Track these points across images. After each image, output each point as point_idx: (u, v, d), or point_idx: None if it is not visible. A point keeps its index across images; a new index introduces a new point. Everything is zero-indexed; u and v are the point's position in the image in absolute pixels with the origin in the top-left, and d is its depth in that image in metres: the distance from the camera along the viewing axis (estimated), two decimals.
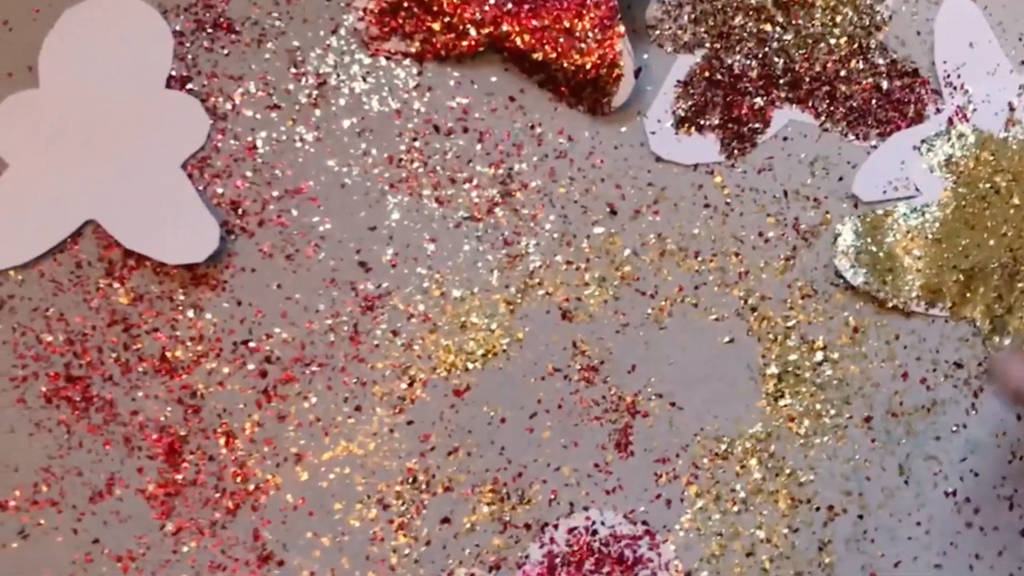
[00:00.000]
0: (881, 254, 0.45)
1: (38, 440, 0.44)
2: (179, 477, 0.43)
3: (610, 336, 0.45)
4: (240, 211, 0.46)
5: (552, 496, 0.43)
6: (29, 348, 0.44)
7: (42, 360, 0.44)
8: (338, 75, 0.47)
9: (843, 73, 0.46)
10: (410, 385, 0.44)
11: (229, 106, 0.47)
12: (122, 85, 0.47)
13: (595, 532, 0.43)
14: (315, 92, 0.47)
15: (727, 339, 0.45)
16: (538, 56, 0.46)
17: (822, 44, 0.46)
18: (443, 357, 0.45)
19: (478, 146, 0.47)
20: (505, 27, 0.46)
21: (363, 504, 0.43)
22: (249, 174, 0.46)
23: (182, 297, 0.45)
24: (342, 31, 0.48)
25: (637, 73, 0.46)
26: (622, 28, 0.44)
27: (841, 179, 0.47)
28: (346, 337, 0.44)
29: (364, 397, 0.44)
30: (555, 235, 0.46)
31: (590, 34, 0.45)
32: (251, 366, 0.44)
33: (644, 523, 0.43)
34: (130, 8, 0.49)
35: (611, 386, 0.44)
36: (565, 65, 0.46)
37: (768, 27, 0.46)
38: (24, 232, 0.46)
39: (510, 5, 0.46)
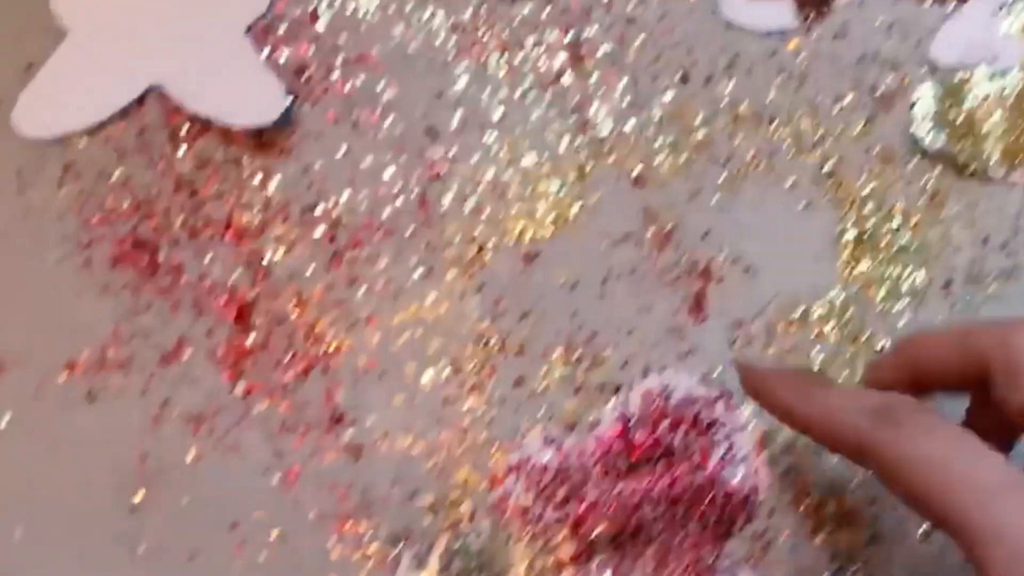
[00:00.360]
0: (960, 119, 0.44)
1: (105, 304, 0.43)
2: (249, 340, 0.42)
3: (683, 202, 0.44)
4: (305, 78, 0.45)
5: (625, 360, 0.42)
6: (95, 213, 0.44)
7: (108, 225, 0.43)
8: None
9: None
10: (480, 251, 0.44)
11: None
12: None
13: (669, 395, 0.42)
14: None
15: (803, 205, 0.44)
16: None
17: None
18: (513, 223, 0.44)
19: (546, 11, 0.46)
20: None
21: (435, 366, 0.42)
22: (313, 41, 0.45)
23: (248, 163, 0.44)
24: None
25: None
26: None
27: (919, 44, 0.46)
28: (415, 203, 0.44)
29: (434, 262, 0.43)
30: (626, 101, 0.44)
31: None
32: (319, 231, 0.44)
33: (720, 386, 0.41)
34: None
35: (684, 252, 0.44)
36: None
37: None
38: (87, 97, 0.46)
39: None
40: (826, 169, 0.50)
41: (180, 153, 0.49)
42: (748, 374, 0.40)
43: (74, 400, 0.47)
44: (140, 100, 0.50)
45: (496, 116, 0.50)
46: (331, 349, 0.48)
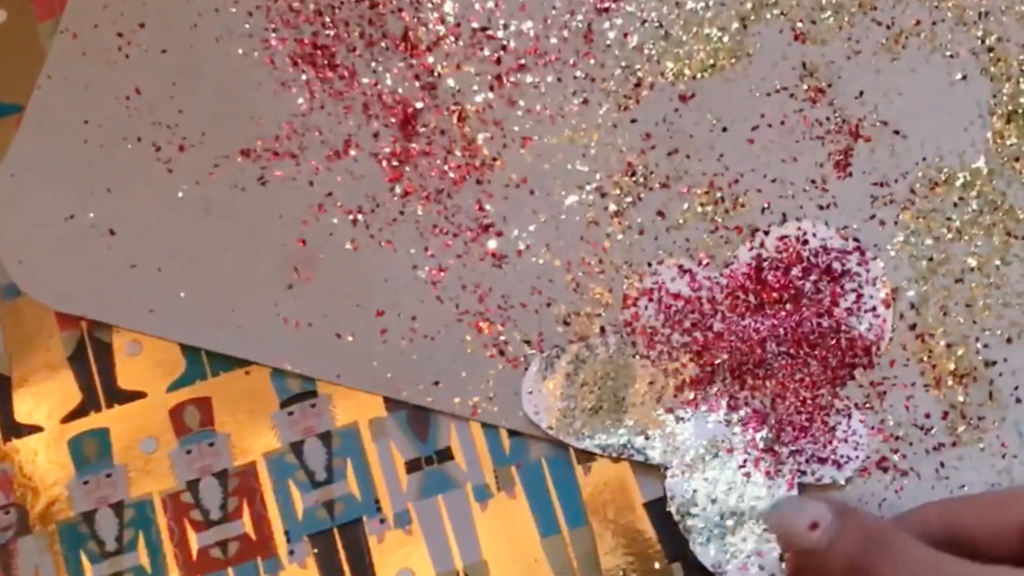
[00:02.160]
0: None
1: (283, 98, 0.47)
2: (412, 145, 0.45)
3: (841, 60, 0.46)
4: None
5: (766, 204, 0.44)
6: (282, 14, 0.47)
7: (292, 27, 0.47)
8: None
9: None
10: (637, 85, 0.46)
11: None
12: None
13: (805, 242, 0.44)
14: None
15: (960, 75, 0.45)
16: None
17: None
18: (672, 63, 0.45)
19: None
20: None
21: (582, 189, 0.44)
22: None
23: None
24: None
25: None
26: None
27: None
28: (580, 34, 0.46)
29: (592, 92, 0.46)
30: None
31: None
32: (487, 52, 0.46)
33: (855, 240, 0.43)
34: None
35: (836, 109, 0.45)
36: None
37: None
38: None
39: None
40: (987, 43, 0.50)
41: None
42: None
43: (246, 181, 0.51)
44: None
45: None
46: (485, 162, 0.50)
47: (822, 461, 0.46)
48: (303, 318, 0.48)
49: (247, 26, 0.51)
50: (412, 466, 0.48)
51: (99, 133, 0.50)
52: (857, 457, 0.46)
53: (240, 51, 0.51)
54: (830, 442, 0.46)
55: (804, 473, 0.46)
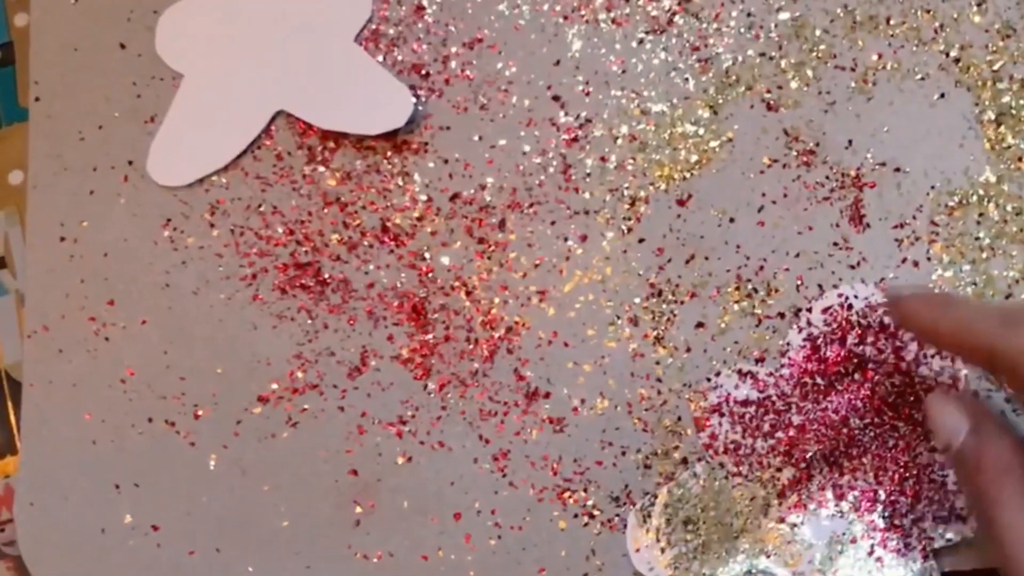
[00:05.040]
0: None
1: (283, 331, 0.43)
2: (430, 337, 0.42)
3: (819, 117, 0.44)
4: (424, 72, 0.45)
5: (799, 282, 0.42)
6: (251, 246, 0.44)
7: (267, 255, 0.44)
8: None
9: None
10: (632, 205, 0.43)
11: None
12: None
13: (850, 306, 0.42)
14: None
15: (937, 95, 0.43)
16: None
17: None
18: (658, 171, 0.43)
19: None
20: None
21: (615, 325, 0.42)
22: (423, 35, 0.45)
23: (388, 166, 0.45)
24: None
25: None
26: None
27: None
28: (557, 172, 0.44)
29: (589, 226, 0.43)
30: (741, 30, 0.44)
31: None
32: (469, 218, 0.43)
33: (897, 288, 0.41)
34: None
35: (831, 165, 0.43)
36: None
37: None
38: (216, 137, 0.46)
39: None
40: (952, 55, 0.49)
41: (320, 170, 0.49)
42: (894, 301, 0.41)
43: (274, 428, 0.47)
44: (268, 128, 0.49)
45: (618, 71, 0.49)
46: (510, 329, 0.47)
47: (945, 520, 0.44)
48: (382, 549, 0.45)
49: (220, 268, 0.48)
50: None
51: (105, 428, 0.47)
52: None
53: (223, 296, 0.48)
54: (946, 498, 0.44)
55: (932, 539, 0.44)
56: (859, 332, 0.46)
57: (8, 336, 0.46)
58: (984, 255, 0.47)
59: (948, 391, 0.41)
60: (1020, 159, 0.47)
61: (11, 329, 0.46)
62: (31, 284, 0.48)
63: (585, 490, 0.45)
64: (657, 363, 0.47)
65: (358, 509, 0.45)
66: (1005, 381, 0.35)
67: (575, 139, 0.48)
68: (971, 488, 0.37)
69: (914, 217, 0.48)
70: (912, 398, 0.46)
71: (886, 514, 0.45)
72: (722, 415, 0.46)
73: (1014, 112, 0.48)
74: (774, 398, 0.46)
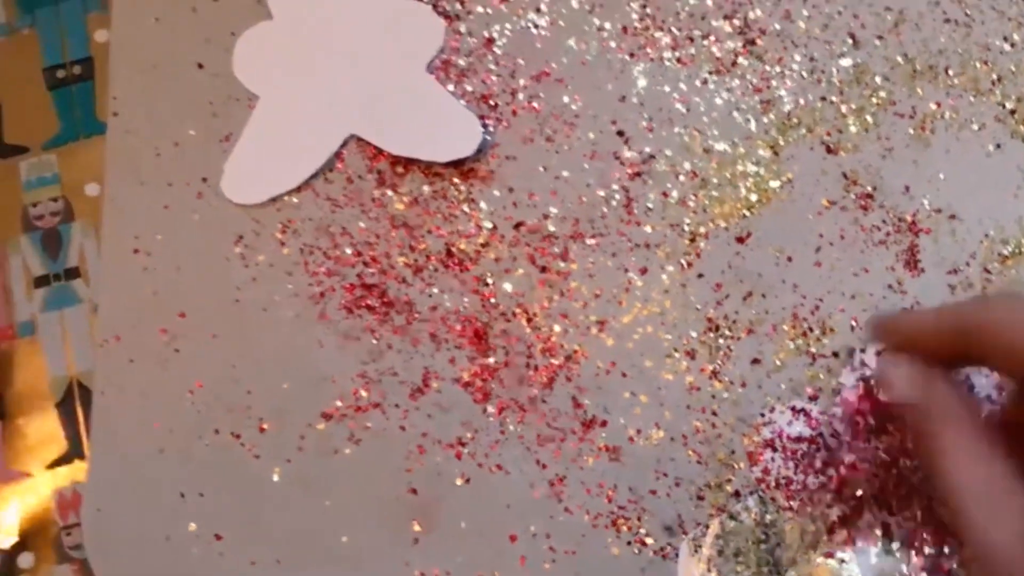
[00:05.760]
0: None
1: (348, 350, 0.44)
2: (490, 361, 0.43)
3: (877, 162, 0.45)
4: (492, 103, 0.46)
5: (853, 323, 0.43)
6: (320, 265, 0.45)
7: (335, 275, 0.45)
8: None
9: None
10: (692, 240, 0.44)
11: (459, 6, 0.47)
12: (350, 2, 0.47)
13: None
14: None
15: (993, 145, 0.45)
16: None
17: None
18: (718, 208, 0.44)
19: (708, 1, 0.46)
20: None
21: (672, 358, 0.43)
22: (493, 67, 0.46)
23: (455, 193, 0.46)
24: None
25: None
26: None
27: None
28: (620, 205, 0.45)
29: (649, 259, 0.44)
30: (804, 74, 0.45)
31: None
32: (532, 246, 0.44)
33: None
34: None
35: (888, 209, 0.44)
36: None
37: None
38: (289, 158, 0.47)
39: None
40: (1008, 106, 0.50)
41: (389, 194, 0.50)
42: (876, 327, 0.40)
43: (337, 445, 0.48)
44: (340, 151, 0.51)
45: (682, 108, 0.50)
46: (569, 358, 0.49)
47: None
48: (440, 568, 0.46)
49: (290, 287, 0.49)
50: None
51: (173, 438, 0.48)
52: None
53: (291, 314, 0.49)
54: None
55: None
56: None
57: (80, 344, 0.47)
58: None
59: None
60: None
61: (83, 337, 0.47)
62: (104, 294, 0.49)
63: (639, 518, 0.46)
64: (712, 396, 0.48)
65: (416, 527, 0.46)
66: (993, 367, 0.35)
67: (638, 174, 0.50)
68: (918, 441, 0.35)
69: (967, 264, 0.49)
70: None
71: (933, 552, 0.45)
72: (775, 450, 0.47)
73: None
74: (826, 436, 0.47)
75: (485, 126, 0.49)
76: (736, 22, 0.50)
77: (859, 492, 0.44)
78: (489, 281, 0.49)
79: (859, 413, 0.45)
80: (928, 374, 0.36)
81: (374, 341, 0.48)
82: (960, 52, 0.50)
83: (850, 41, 0.50)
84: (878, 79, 0.50)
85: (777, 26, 0.50)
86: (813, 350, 0.47)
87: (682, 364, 0.47)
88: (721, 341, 0.48)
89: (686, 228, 0.49)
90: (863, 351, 0.46)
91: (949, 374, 0.36)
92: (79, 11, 0.50)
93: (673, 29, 0.51)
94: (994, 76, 0.49)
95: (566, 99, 0.50)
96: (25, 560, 0.44)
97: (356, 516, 0.46)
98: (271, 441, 0.47)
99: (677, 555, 0.45)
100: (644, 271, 0.48)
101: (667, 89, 0.50)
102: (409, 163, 0.50)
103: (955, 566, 0.43)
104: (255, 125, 0.50)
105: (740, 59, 0.50)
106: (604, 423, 0.47)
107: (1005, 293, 0.35)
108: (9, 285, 0.47)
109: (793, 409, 0.47)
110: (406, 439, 0.47)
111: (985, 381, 0.42)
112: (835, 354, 0.47)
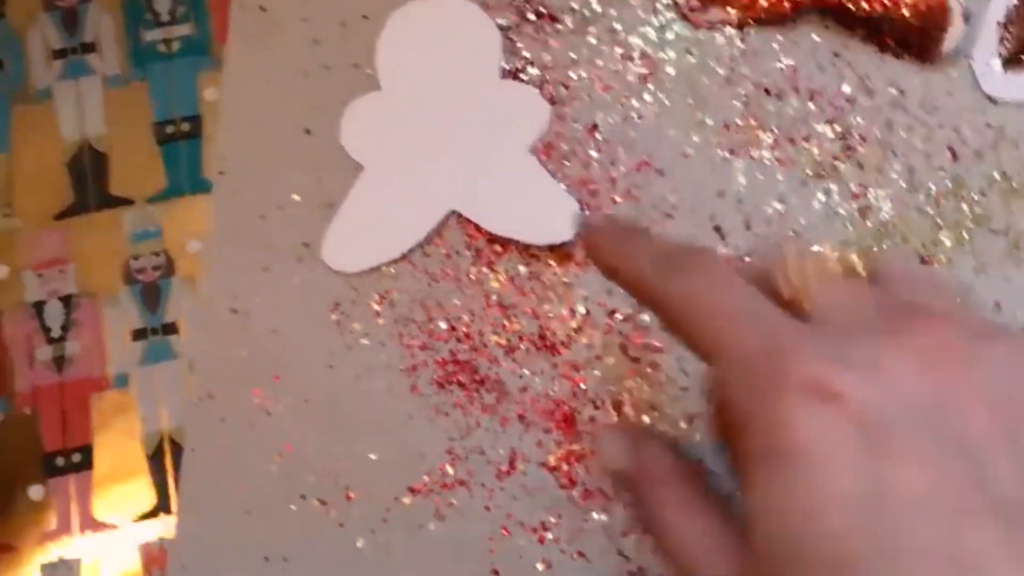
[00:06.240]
0: None
1: (438, 425, 0.45)
2: (577, 447, 0.44)
3: (969, 276, 0.45)
4: (591, 189, 0.47)
5: None
6: (414, 338, 0.46)
7: (428, 348, 0.46)
8: (663, 50, 0.48)
9: None
10: None
11: (564, 91, 0.48)
12: (458, 80, 0.48)
13: None
14: (643, 69, 0.48)
15: None
16: (863, 11, 0.46)
17: None
18: None
19: (810, 104, 0.47)
20: None
21: None
22: (594, 154, 0.47)
23: (551, 276, 0.46)
24: (659, 6, 0.49)
25: (967, 18, 0.46)
26: None
27: None
28: None
29: None
30: (902, 184, 0.46)
31: None
32: (624, 335, 0.45)
33: None
34: (453, 6, 0.50)
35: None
36: (892, 17, 0.46)
37: None
38: (390, 229, 0.47)
39: None
40: None
41: (486, 272, 0.51)
42: (584, 233, 0.39)
43: (422, 519, 0.49)
44: (440, 226, 0.52)
45: (780, 209, 0.51)
46: None
47: None
48: None
49: (383, 357, 0.50)
50: None
51: (260, 500, 0.48)
52: None
53: (384, 385, 0.50)
54: None
55: None
56: None
57: (173, 400, 0.48)
58: None
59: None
60: None
61: (177, 393, 0.48)
62: (200, 352, 0.50)
63: None
64: None
65: None
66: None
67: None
68: (635, 506, 0.34)
69: None
70: None
71: None
72: None
73: None
74: None
75: (584, 212, 0.50)
76: (838, 127, 0.51)
77: None
78: (580, 367, 0.49)
79: None
80: (638, 439, 0.35)
81: (463, 418, 0.49)
82: None
83: (949, 154, 0.51)
84: (975, 195, 0.50)
85: (878, 134, 0.51)
86: None
87: None
88: None
89: None
90: None
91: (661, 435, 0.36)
92: (190, 68, 0.51)
93: (775, 129, 0.51)
94: None
95: (665, 191, 0.51)
96: None
97: None
98: (357, 511, 0.48)
99: None
100: None
101: (766, 188, 0.51)
102: (507, 242, 0.50)
103: None
104: (358, 194, 0.51)
105: (839, 164, 0.51)
106: None
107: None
108: (106, 336, 0.48)
109: None
110: (491, 519, 0.48)
111: None
112: None
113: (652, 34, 0.52)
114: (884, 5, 0.51)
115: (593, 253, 0.36)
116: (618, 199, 0.51)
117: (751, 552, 0.27)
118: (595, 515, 0.48)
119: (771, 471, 0.26)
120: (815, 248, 0.33)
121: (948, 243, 0.51)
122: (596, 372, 0.50)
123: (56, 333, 0.51)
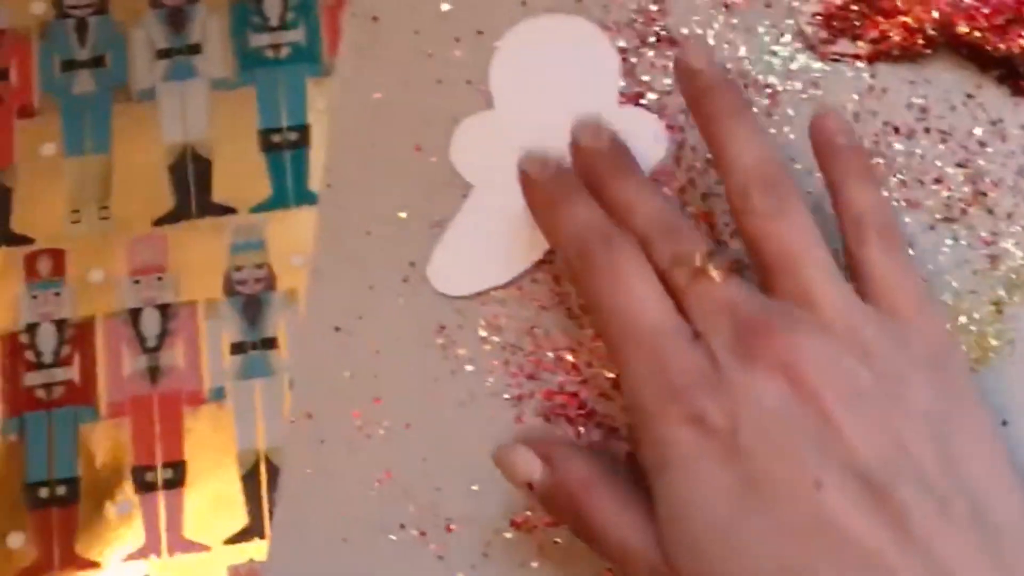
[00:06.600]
0: None
1: None
2: None
3: None
4: (710, 223, 0.45)
5: None
6: (520, 367, 0.44)
7: (535, 379, 0.44)
8: (787, 81, 0.46)
9: None
10: None
11: (682, 119, 0.46)
12: (574, 103, 0.46)
13: None
14: (767, 100, 0.46)
15: None
16: (999, 51, 0.44)
17: None
18: None
19: (941, 146, 0.45)
20: (963, 26, 0.44)
21: None
22: (714, 185, 0.45)
23: None
24: (786, 37, 0.47)
25: None
26: None
27: None
28: None
29: None
30: None
31: None
32: None
33: None
34: (572, 25, 0.48)
35: None
36: None
37: None
38: (499, 253, 0.46)
39: (967, 1, 0.44)
40: None
41: None
42: (524, 185, 0.46)
43: (524, 558, 0.47)
44: (549, 251, 0.50)
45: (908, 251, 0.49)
46: None
47: None
48: None
49: (488, 384, 0.48)
50: None
51: (357, 527, 0.47)
52: None
53: (487, 413, 0.48)
54: None
55: None
56: None
57: (271, 418, 0.46)
58: None
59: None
60: None
61: (275, 411, 0.46)
62: (301, 370, 0.48)
63: None
64: None
65: None
66: None
67: None
68: (563, 517, 0.41)
69: None
70: None
71: None
72: None
73: None
74: None
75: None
76: (968, 170, 0.49)
77: None
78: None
79: None
80: (548, 446, 0.42)
81: None
82: None
83: None
84: None
85: (1010, 181, 0.49)
86: None
87: None
88: None
89: None
90: None
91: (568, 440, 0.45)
92: (299, 75, 0.49)
93: (903, 169, 0.49)
94: None
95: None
96: None
97: None
98: (457, 543, 0.46)
99: None
100: None
101: None
102: None
103: None
104: (467, 215, 0.49)
105: (970, 208, 0.49)
106: None
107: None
108: (203, 348, 0.46)
109: None
110: (594, 560, 0.46)
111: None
112: None
113: (777, 64, 0.50)
114: (1022, 47, 0.49)
115: (530, 206, 0.46)
116: (736, 232, 0.49)
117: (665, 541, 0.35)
118: None
119: (662, 477, 0.36)
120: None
121: None
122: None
123: (152, 343, 0.49)
